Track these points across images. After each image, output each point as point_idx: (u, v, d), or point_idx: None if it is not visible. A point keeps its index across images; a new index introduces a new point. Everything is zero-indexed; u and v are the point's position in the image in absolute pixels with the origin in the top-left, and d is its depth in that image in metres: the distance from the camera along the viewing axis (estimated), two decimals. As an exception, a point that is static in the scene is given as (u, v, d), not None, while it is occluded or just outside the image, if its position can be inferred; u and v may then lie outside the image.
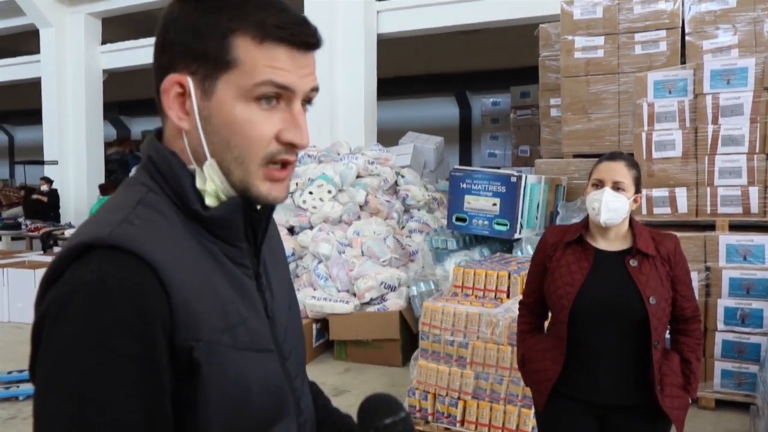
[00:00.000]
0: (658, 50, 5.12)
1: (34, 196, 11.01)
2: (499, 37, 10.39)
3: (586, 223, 2.08)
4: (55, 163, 11.45)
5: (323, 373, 4.84)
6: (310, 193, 6.15)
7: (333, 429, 1.05)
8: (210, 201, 0.84)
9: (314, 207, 6.11)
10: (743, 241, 4.02)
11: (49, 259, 7.17)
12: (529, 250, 4.68)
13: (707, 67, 4.20)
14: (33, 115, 13.26)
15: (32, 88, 12.06)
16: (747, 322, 3.94)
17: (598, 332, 1.96)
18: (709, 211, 4.19)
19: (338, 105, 8.37)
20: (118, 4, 10.69)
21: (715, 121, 4.15)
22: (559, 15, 5.57)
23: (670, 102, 4.31)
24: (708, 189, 4.17)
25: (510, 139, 9.41)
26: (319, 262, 5.66)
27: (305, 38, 0.82)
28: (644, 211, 4.30)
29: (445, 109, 15.02)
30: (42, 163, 11.81)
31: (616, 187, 1.98)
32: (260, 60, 0.80)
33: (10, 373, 4.70)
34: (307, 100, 0.86)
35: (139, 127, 18.72)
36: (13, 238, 10.07)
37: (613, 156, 2.07)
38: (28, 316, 6.11)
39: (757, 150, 4.06)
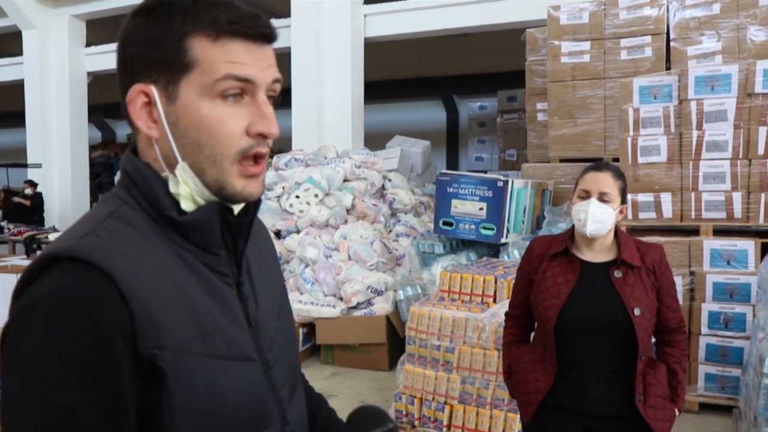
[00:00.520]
0: (644, 56, 5.17)
1: (15, 199, 10.85)
2: (487, 42, 10.44)
3: (571, 234, 2.07)
4: (38, 166, 11.33)
5: (310, 378, 4.71)
6: (297, 196, 6.13)
7: None
8: (186, 205, 0.85)
9: (301, 211, 6.10)
10: (727, 246, 4.06)
11: (32, 263, 7.07)
12: (516, 255, 4.69)
13: (692, 73, 4.24)
14: (16, 118, 13.10)
15: (15, 90, 11.92)
16: (730, 326, 3.97)
17: (585, 343, 1.95)
18: (693, 216, 4.22)
19: (325, 108, 8.36)
20: (103, 6, 10.59)
21: (699, 126, 4.19)
22: (546, 20, 5.61)
23: (656, 107, 4.35)
24: (692, 194, 4.21)
25: (497, 143, 9.46)
26: (306, 266, 5.64)
27: (259, 30, 0.83)
28: (630, 216, 4.33)
29: (432, 113, 15.03)
30: (25, 166, 11.68)
31: (603, 198, 1.97)
32: (217, 57, 0.81)
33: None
34: (272, 94, 0.87)
35: (124, 130, 18.55)
36: (-5, 243, 9.95)
37: (599, 166, 2.06)
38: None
39: (741, 156, 4.10)
